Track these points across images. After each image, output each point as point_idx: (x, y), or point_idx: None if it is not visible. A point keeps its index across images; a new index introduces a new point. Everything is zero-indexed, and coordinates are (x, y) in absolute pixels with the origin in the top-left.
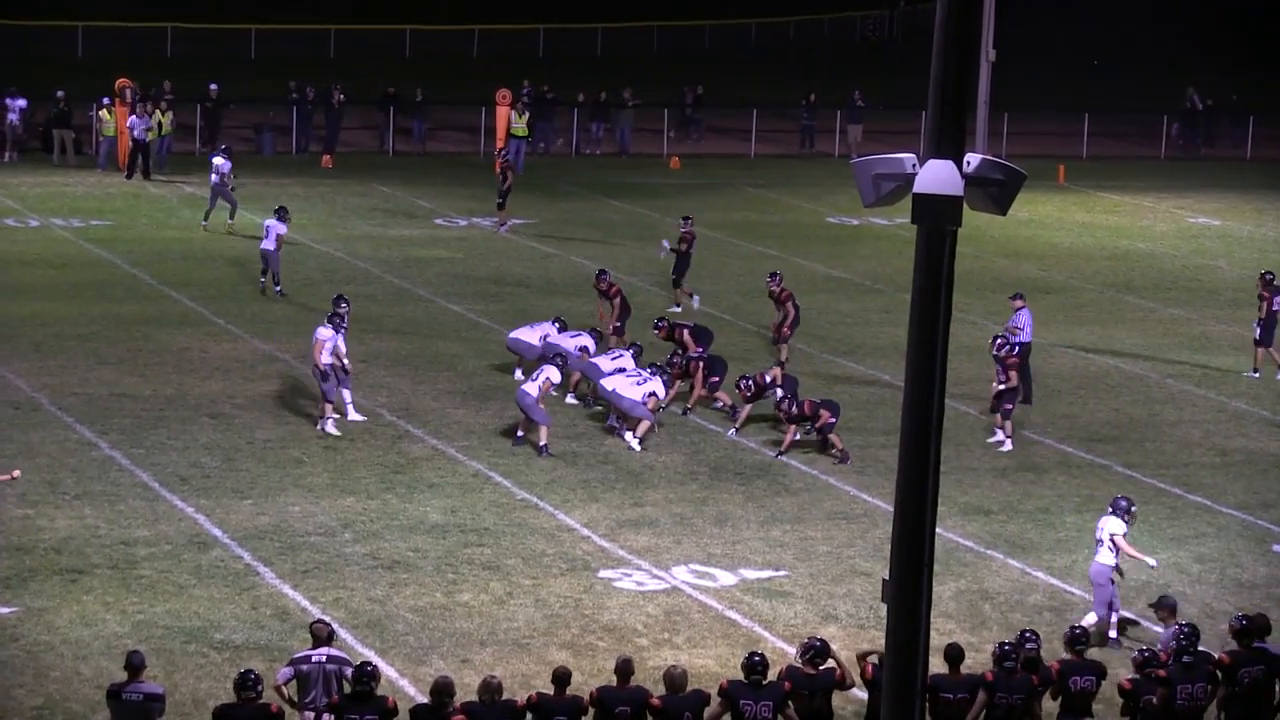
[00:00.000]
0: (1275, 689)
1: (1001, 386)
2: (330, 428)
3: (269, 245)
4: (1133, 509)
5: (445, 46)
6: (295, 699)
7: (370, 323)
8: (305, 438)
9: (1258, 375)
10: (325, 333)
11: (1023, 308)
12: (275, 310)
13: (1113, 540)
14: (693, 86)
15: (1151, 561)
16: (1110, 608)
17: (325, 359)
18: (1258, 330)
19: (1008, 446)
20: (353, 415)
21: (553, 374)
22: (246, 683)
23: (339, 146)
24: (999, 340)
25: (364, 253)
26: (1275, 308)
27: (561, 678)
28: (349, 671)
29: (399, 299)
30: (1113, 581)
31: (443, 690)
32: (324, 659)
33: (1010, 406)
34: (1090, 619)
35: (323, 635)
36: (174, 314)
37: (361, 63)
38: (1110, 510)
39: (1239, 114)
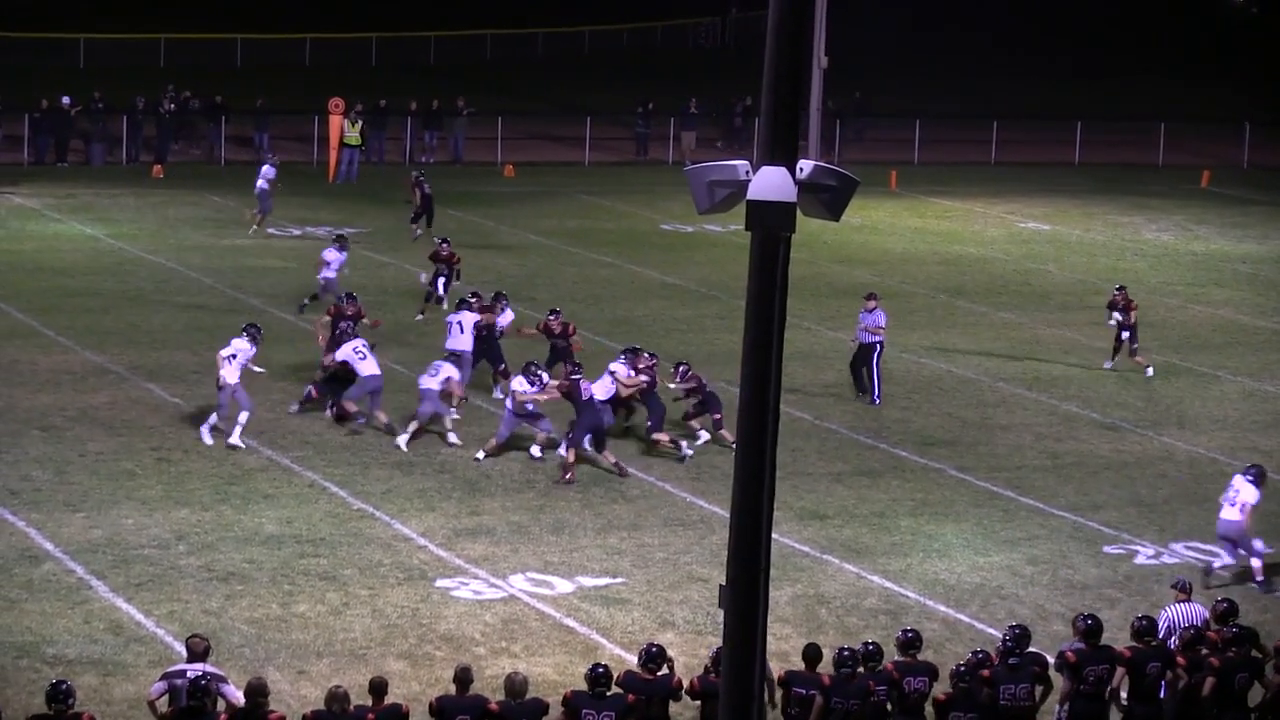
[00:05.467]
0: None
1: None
2: (207, 437)
3: (329, 274)
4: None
5: (277, 55)
6: (166, 713)
7: (203, 333)
8: (138, 450)
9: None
10: (241, 344)
11: (877, 307)
12: (106, 321)
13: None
14: (740, 98)
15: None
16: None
17: (233, 376)
18: (1126, 334)
19: (703, 438)
20: (235, 439)
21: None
22: (58, 694)
23: (170, 156)
24: (682, 368)
25: (196, 263)
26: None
27: (378, 687)
28: (224, 688)
29: (232, 309)
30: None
31: (256, 691)
32: (198, 674)
33: (719, 416)
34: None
35: (198, 650)
36: (2, 326)
37: (192, 71)
38: (1245, 476)
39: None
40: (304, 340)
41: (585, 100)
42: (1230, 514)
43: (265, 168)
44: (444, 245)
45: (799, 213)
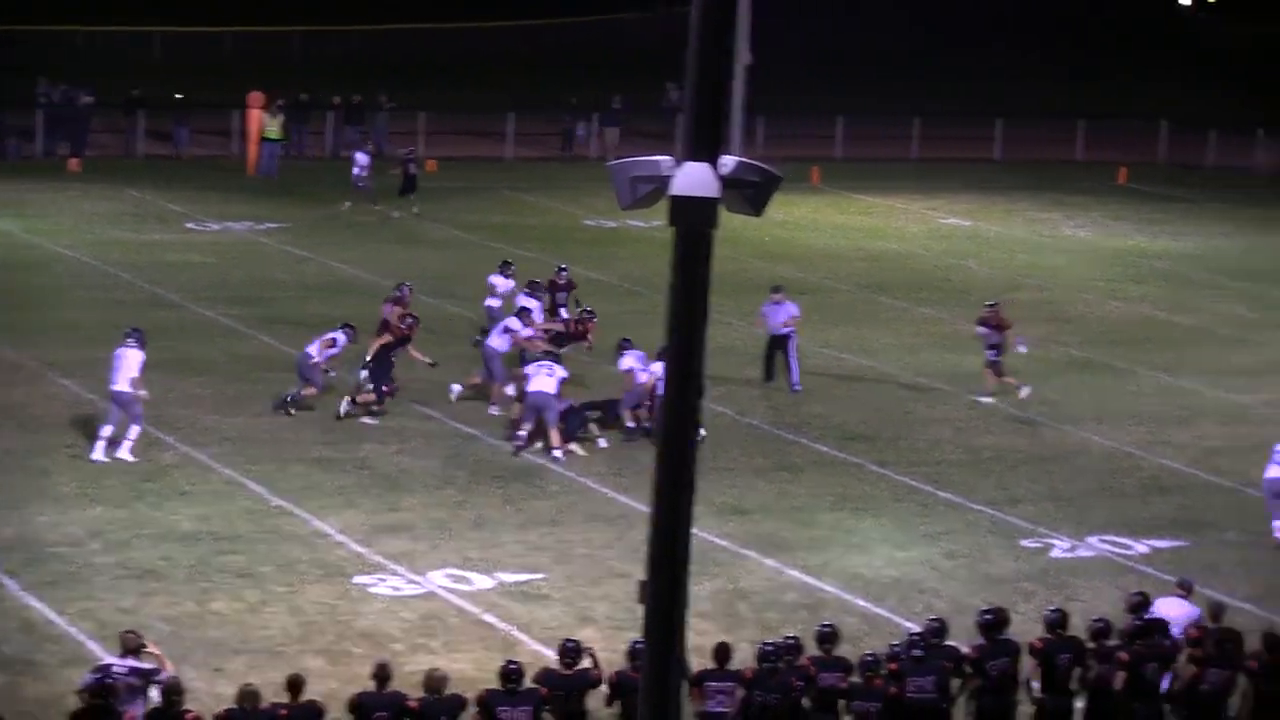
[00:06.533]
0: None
1: None
2: (100, 453)
3: (493, 301)
4: None
5: (197, 49)
6: (74, 710)
7: (120, 329)
8: (51, 447)
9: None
10: (135, 353)
11: (785, 299)
12: (21, 317)
13: None
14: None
15: None
16: None
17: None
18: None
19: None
20: (123, 453)
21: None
22: None
23: (87, 150)
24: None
25: (114, 258)
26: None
27: (295, 684)
28: (157, 680)
29: (150, 304)
30: None
31: (172, 689)
32: (126, 670)
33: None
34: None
35: (130, 645)
36: None
37: (108, 65)
38: None
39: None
40: (224, 336)
41: (509, 95)
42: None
43: (359, 154)
44: (562, 273)
45: (722, 208)
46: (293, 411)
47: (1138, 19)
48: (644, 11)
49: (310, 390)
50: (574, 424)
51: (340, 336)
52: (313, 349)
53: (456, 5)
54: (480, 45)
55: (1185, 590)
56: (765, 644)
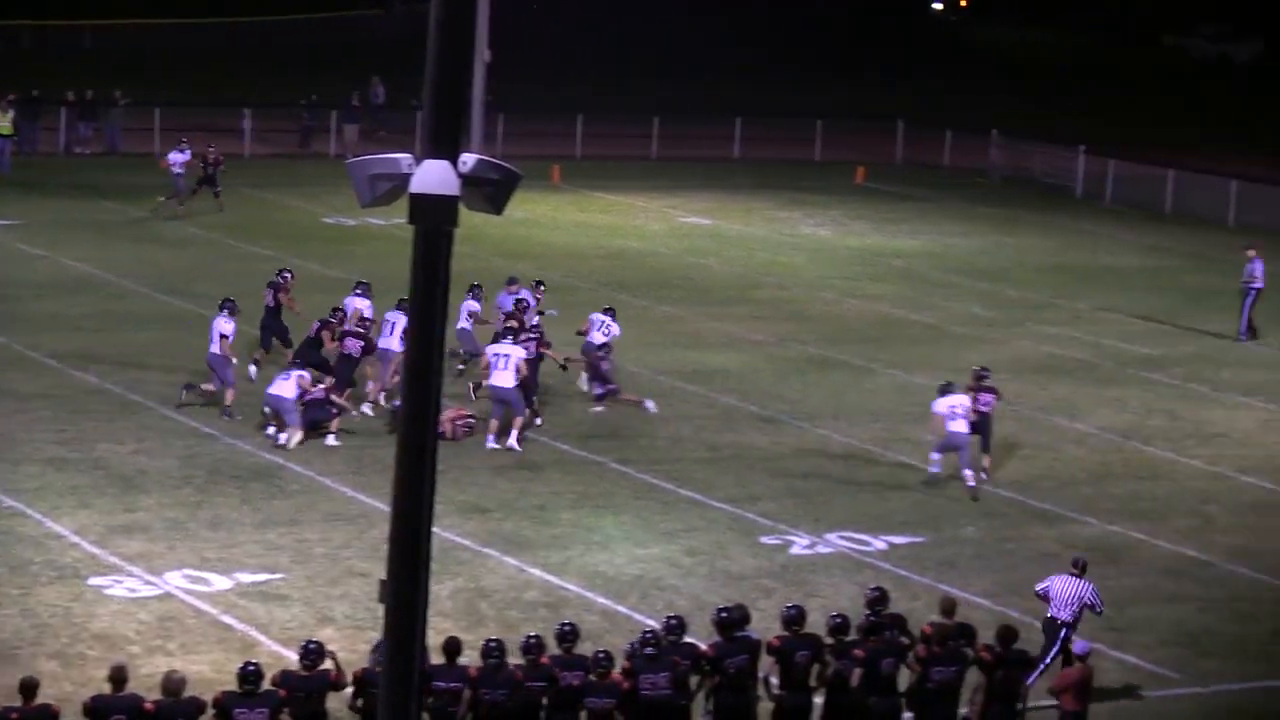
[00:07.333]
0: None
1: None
2: None
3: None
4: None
5: None
6: None
7: None
8: None
9: None
10: None
11: (521, 289)
12: None
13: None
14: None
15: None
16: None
17: None
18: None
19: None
20: None
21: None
22: None
23: None
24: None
25: None
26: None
27: (29, 687)
28: None
29: None
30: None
31: None
32: None
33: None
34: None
35: None
36: None
37: None
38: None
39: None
40: None
41: (245, 92)
42: (960, 425)
43: (173, 155)
44: (539, 286)
45: (462, 206)
46: (199, 402)
47: (884, 21)
48: (379, 9)
49: (210, 387)
50: (319, 415)
51: (229, 325)
52: (215, 346)
53: (194, 1)
54: (216, 41)
55: (1079, 568)
56: (489, 641)
